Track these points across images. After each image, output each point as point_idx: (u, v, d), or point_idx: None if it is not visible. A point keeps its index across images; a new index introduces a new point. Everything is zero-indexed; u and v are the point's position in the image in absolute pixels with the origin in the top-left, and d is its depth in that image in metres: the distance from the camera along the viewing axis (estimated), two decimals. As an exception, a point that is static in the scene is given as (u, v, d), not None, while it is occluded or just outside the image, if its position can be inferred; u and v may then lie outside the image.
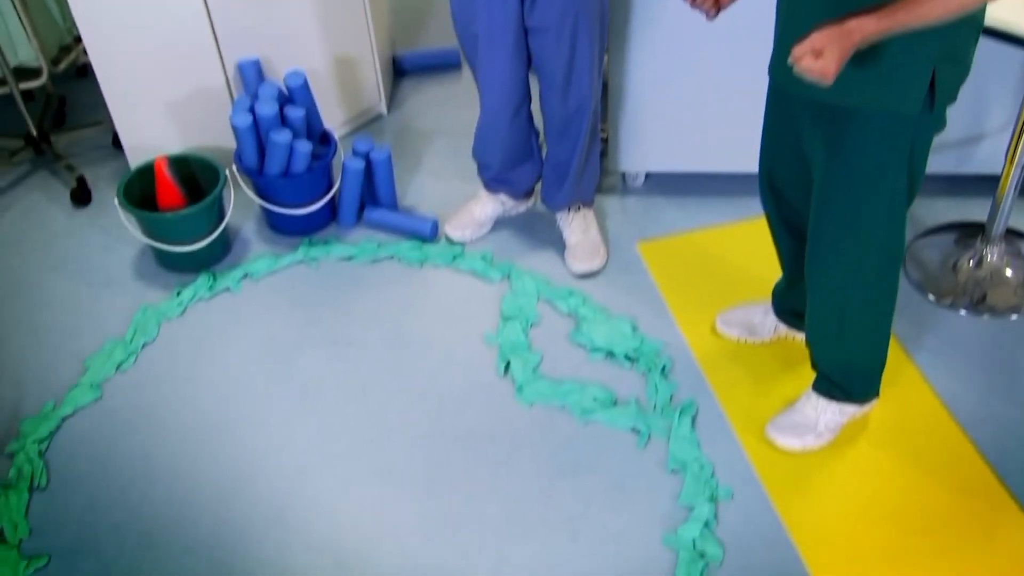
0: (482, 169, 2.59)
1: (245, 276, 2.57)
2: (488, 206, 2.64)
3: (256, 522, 2.00)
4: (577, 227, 2.56)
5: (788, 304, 2.19)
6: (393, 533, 1.97)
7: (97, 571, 1.92)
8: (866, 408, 2.07)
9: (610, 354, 2.31)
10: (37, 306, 2.52)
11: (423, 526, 1.98)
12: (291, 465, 2.11)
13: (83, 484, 2.08)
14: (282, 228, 2.69)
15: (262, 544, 1.96)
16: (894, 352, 2.18)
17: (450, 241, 2.64)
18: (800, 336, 2.25)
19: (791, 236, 1.98)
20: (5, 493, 2.04)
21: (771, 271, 2.26)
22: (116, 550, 1.96)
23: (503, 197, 2.63)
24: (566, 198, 2.51)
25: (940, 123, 1.64)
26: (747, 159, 2.60)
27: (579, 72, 2.23)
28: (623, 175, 2.81)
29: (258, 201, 2.62)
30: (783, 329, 2.27)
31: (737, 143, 2.55)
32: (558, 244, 2.63)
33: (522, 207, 2.70)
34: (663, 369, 2.26)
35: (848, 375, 1.98)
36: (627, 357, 2.30)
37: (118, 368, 2.33)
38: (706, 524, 1.94)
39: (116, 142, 2.93)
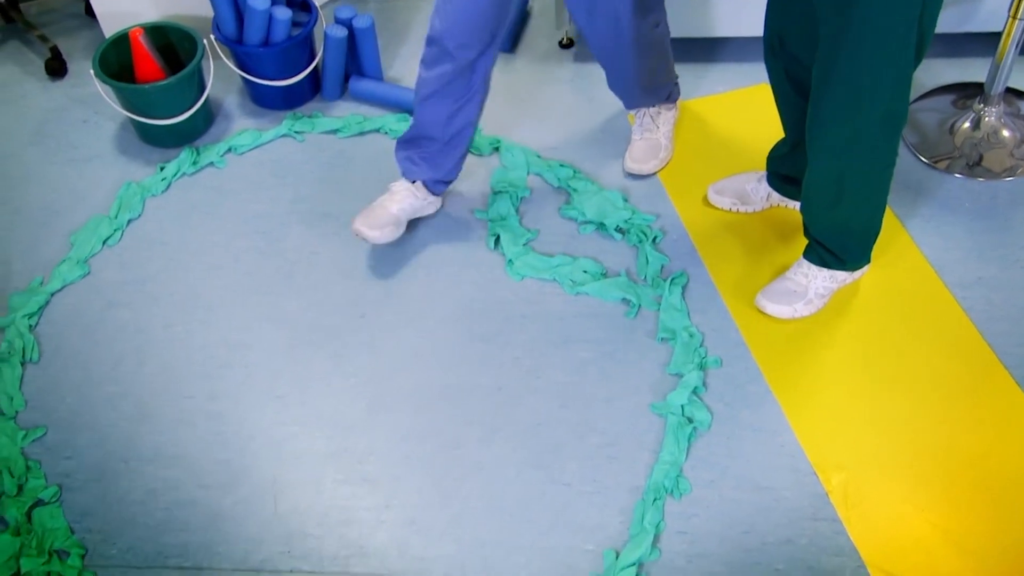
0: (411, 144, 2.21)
1: (229, 151, 2.52)
2: (405, 200, 2.24)
3: (250, 392, 2.02)
4: (638, 126, 2.41)
5: (785, 169, 2.16)
6: (383, 405, 2.00)
7: (94, 442, 1.95)
8: (857, 275, 2.07)
9: (601, 226, 2.30)
10: (18, 182, 2.47)
11: (413, 397, 2.00)
12: (282, 338, 2.12)
13: (75, 358, 2.09)
14: (265, 102, 2.62)
15: (257, 415, 1.99)
16: (887, 217, 2.16)
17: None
18: (792, 205, 2.23)
19: (797, 94, 1.93)
20: (-2, 367, 2.06)
21: (766, 141, 2.22)
22: (111, 422, 1.98)
23: (421, 190, 2.25)
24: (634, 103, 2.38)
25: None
26: (744, 23, 2.53)
27: None
28: (615, 43, 2.73)
29: (239, 73, 2.55)
30: (776, 198, 2.25)
31: (734, 6, 2.47)
32: (548, 116, 2.57)
33: (435, 206, 2.32)
34: (654, 240, 2.25)
35: (842, 242, 1.97)
36: (618, 229, 2.28)
37: (104, 243, 2.31)
38: (694, 391, 1.96)
39: (89, 10, 2.82)
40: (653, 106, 2.38)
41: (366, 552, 1.78)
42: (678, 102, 2.46)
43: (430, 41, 2.00)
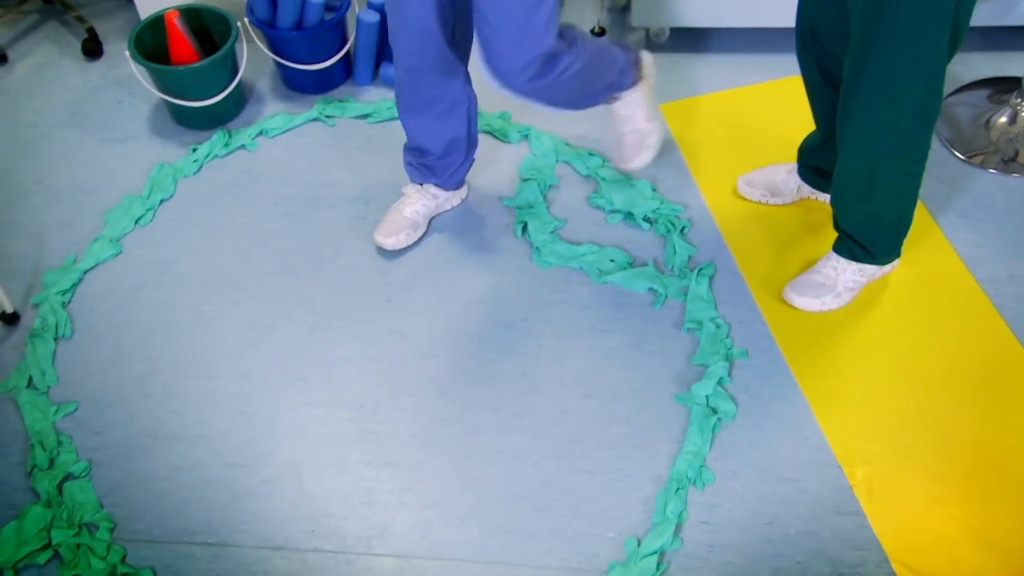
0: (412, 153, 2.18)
1: (260, 134, 2.54)
2: (418, 202, 2.22)
3: (276, 374, 2.04)
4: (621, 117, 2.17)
5: (816, 161, 2.14)
6: (407, 389, 2.01)
7: (124, 419, 1.98)
8: (887, 269, 2.05)
9: (629, 216, 2.29)
10: (54, 160, 2.51)
11: (437, 382, 2.01)
12: (309, 320, 2.13)
13: (106, 335, 2.12)
14: (297, 85, 2.64)
15: (283, 396, 2.01)
16: (919, 212, 2.14)
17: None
18: (823, 198, 2.21)
19: (829, 86, 1.91)
20: (32, 342, 2.09)
21: (797, 132, 2.20)
22: (140, 399, 2.01)
23: (433, 189, 2.23)
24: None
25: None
26: (778, 13, 2.51)
27: None
28: (646, 31, 2.71)
29: (272, 56, 2.56)
30: (806, 190, 2.23)
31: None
32: (579, 104, 2.57)
33: (458, 197, 2.30)
34: (682, 231, 2.24)
35: (872, 235, 1.95)
36: (646, 219, 2.28)
37: (137, 223, 2.34)
38: (720, 382, 1.96)
39: (125, -7, 2.86)
40: (602, 103, 2.09)
41: (388, 534, 1.80)
42: (643, 80, 2.12)
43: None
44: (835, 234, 2.05)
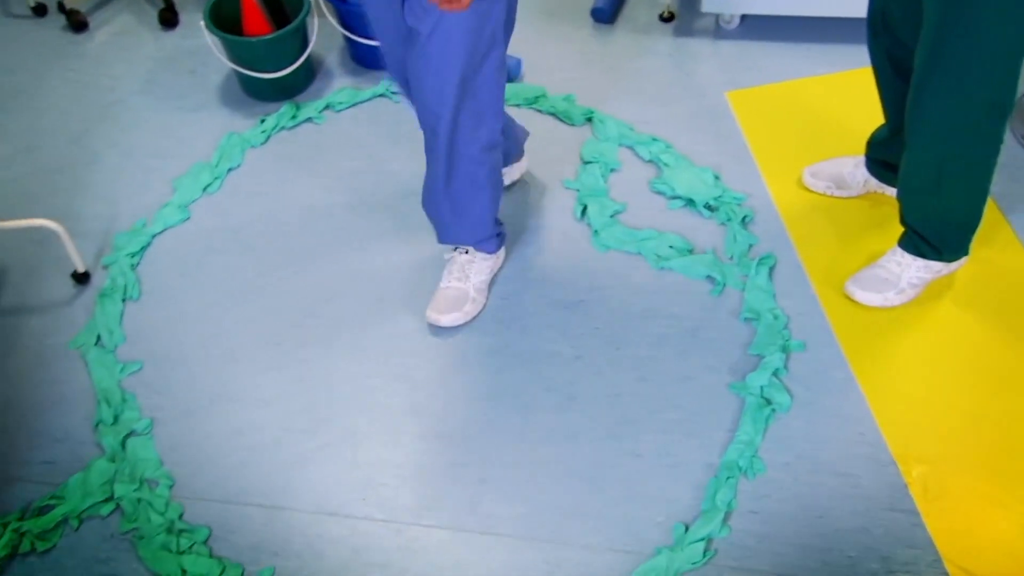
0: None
1: (327, 107, 2.57)
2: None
3: (335, 343, 2.07)
4: (456, 269, 2.10)
5: (884, 155, 2.11)
6: (463, 365, 2.03)
7: (186, 380, 2.03)
8: (954, 267, 2.01)
9: (690, 203, 2.28)
10: (129, 126, 2.57)
11: (491, 359, 2.03)
12: (370, 293, 2.16)
13: (172, 298, 2.18)
14: (365, 61, 2.66)
15: (341, 365, 2.04)
16: (989, 209, 2.09)
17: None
18: (890, 192, 2.18)
19: (899, 77, 1.88)
20: (102, 302, 2.15)
21: (867, 125, 2.17)
22: (202, 361, 2.06)
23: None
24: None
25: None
26: (850, 2, 2.46)
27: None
28: (716, 17, 2.69)
29: (341, 31, 2.59)
30: (873, 184, 2.19)
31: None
32: (644, 90, 2.55)
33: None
34: (743, 220, 2.22)
35: (939, 231, 1.92)
36: (707, 207, 2.26)
37: (205, 191, 2.39)
38: (775, 373, 1.94)
39: (202, -34, 2.90)
40: (468, 249, 2.08)
41: (438, 506, 1.82)
42: (500, 253, 2.14)
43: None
44: (900, 229, 2.01)
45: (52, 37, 2.84)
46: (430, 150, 1.90)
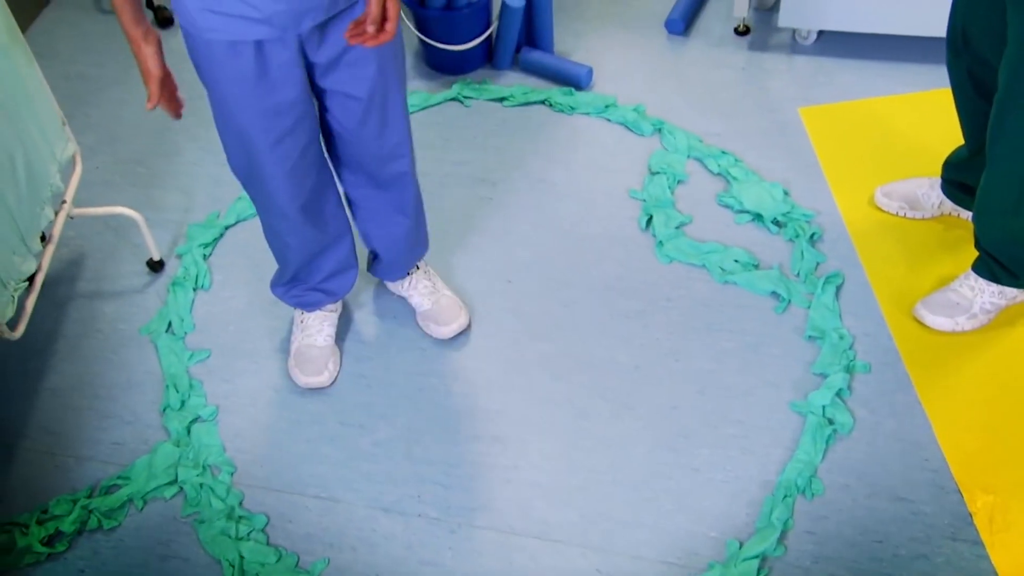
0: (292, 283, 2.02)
1: (399, 110, 2.61)
2: (326, 328, 2.07)
3: (395, 342, 2.10)
4: (424, 289, 2.10)
5: (961, 176, 2.06)
6: (520, 369, 2.04)
7: (251, 370, 2.08)
8: (1029, 294, 1.97)
9: (757, 218, 2.26)
10: (209, 122, 2.63)
11: (550, 365, 2.04)
12: (432, 294, 2.18)
13: (241, 289, 2.23)
14: (437, 65, 2.70)
15: (400, 363, 2.06)
16: (1069, 240, 2.04)
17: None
18: (965, 215, 2.13)
19: (980, 97, 1.84)
20: (174, 290, 2.21)
21: (943, 146, 2.13)
22: (268, 353, 2.10)
23: (330, 306, 2.08)
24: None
25: None
26: (930, 21, 2.42)
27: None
28: (793, 32, 2.66)
29: (416, 34, 2.63)
30: (948, 206, 2.15)
31: (920, 2, 2.36)
32: (715, 103, 2.54)
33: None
34: (812, 237, 2.20)
35: (1017, 255, 1.87)
36: (775, 222, 2.24)
37: (277, 187, 2.44)
38: (838, 393, 1.91)
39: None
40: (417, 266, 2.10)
41: (490, 508, 1.83)
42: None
43: None
44: (974, 253, 1.97)
45: (138, 33, 2.94)
46: (405, 201, 1.91)
